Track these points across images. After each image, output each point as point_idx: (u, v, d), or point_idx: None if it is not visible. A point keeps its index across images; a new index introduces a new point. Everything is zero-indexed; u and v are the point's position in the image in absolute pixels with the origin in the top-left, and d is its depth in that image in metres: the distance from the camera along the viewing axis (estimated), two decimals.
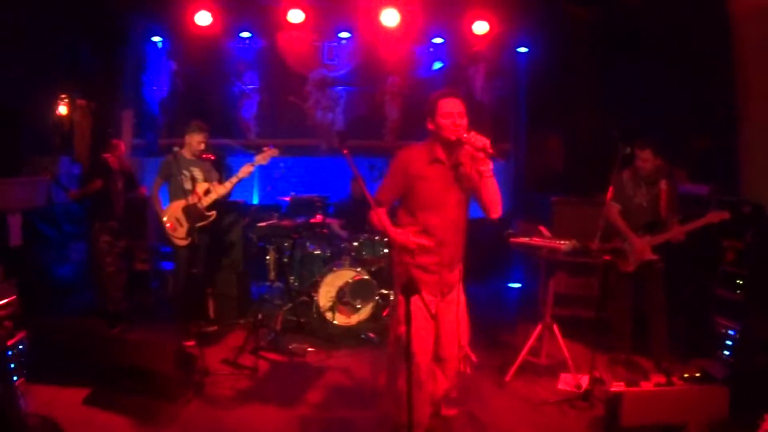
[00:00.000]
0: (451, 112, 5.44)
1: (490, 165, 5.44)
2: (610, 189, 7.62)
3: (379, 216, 5.50)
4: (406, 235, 5.49)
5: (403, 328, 4.89)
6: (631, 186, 8.30)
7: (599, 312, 8.63)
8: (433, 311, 5.76)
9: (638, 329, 8.54)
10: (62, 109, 12.10)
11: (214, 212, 8.81)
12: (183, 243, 8.72)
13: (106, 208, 9.38)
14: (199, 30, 12.54)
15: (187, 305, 8.94)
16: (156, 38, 13.44)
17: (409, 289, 4.64)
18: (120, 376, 6.90)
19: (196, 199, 8.56)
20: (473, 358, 7.24)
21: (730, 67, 10.01)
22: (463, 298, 5.97)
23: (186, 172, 8.63)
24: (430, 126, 5.57)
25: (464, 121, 5.43)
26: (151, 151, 12.90)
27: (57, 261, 10.88)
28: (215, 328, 9.23)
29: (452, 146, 5.54)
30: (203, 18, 12.33)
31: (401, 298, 4.69)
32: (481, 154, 5.29)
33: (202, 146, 8.85)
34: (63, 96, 12.06)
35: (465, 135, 5.32)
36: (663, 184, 8.14)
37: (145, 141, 13.33)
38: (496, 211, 5.71)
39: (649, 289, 8.29)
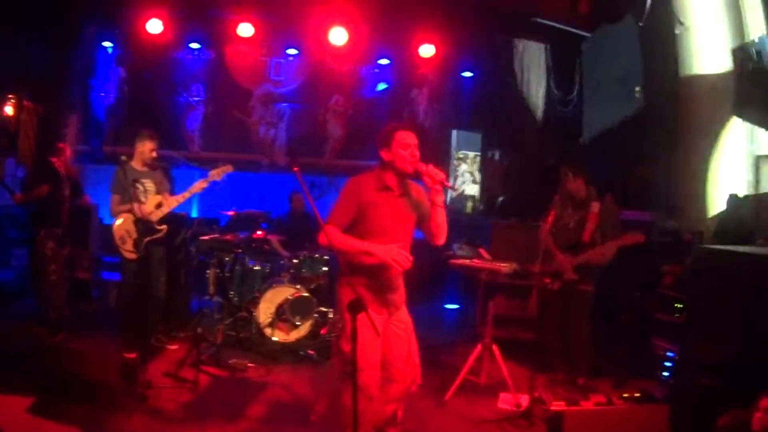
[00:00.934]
0: (408, 143, 5.67)
1: (443, 197, 5.78)
2: (552, 212, 7.94)
3: (341, 235, 5.66)
4: (389, 249, 5.52)
5: (349, 346, 5.10)
6: (560, 207, 8.48)
7: (538, 333, 8.75)
8: (380, 330, 5.75)
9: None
10: (8, 110, 12.02)
11: (165, 226, 8.78)
12: (131, 256, 8.66)
13: (52, 214, 9.25)
14: (149, 37, 12.66)
15: (132, 317, 8.90)
16: (107, 43, 13.44)
17: (356, 307, 4.73)
18: (64, 385, 6.89)
19: (147, 212, 8.53)
20: (419, 380, 7.40)
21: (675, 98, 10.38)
22: (409, 318, 6.17)
23: (138, 185, 8.52)
24: (386, 156, 5.75)
25: (418, 154, 5.67)
26: (96, 158, 12.91)
27: None
28: (176, 346, 9.13)
29: (403, 176, 5.78)
30: (154, 26, 12.47)
31: (347, 316, 4.82)
32: (438, 186, 5.58)
33: (154, 154, 8.82)
34: (10, 96, 11.99)
35: (424, 167, 5.57)
36: (594, 207, 8.23)
37: (90, 147, 13.30)
38: (442, 239, 5.98)
39: (573, 310, 8.45)
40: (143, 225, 8.55)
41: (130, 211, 8.59)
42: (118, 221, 8.73)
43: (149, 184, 8.74)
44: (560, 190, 8.51)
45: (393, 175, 5.79)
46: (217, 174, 8.67)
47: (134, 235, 8.63)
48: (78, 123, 13.38)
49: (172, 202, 8.72)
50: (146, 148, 8.76)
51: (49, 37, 12.21)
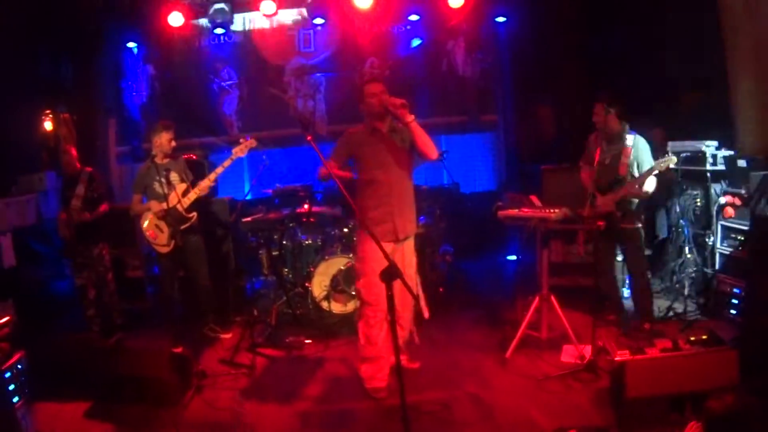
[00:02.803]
0: (375, 92, 6.83)
1: (412, 116, 6.70)
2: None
3: (329, 166, 6.42)
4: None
5: (363, 288, 6.85)
6: (594, 145, 8.26)
7: (594, 278, 8.50)
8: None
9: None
10: (47, 125, 12.10)
11: (194, 213, 8.72)
12: (165, 249, 8.67)
13: (107, 226, 9.43)
14: (173, 31, 12.62)
15: (175, 311, 9.00)
16: (131, 44, 13.43)
17: (390, 275, 4.73)
18: (118, 387, 6.93)
19: (174, 202, 8.48)
20: (426, 312, 7.55)
21: (717, 19, 9.99)
22: (413, 253, 7.23)
23: (160, 178, 8.45)
24: (363, 107, 6.98)
25: (385, 98, 6.77)
26: (137, 156, 12.91)
27: (52, 277, 10.87)
28: (230, 334, 9.12)
29: (383, 117, 6.92)
30: (176, 19, 12.36)
31: (383, 282, 4.78)
32: (401, 110, 6.65)
33: (173, 143, 8.74)
34: (47, 111, 12.06)
35: (386, 100, 6.73)
36: (629, 140, 8.05)
37: (130, 147, 13.35)
38: (432, 153, 6.89)
39: (628, 252, 8.32)
40: (173, 216, 8.50)
41: (148, 209, 8.66)
42: (147, 219, 8.71)
43: (173, 176, 8.70)
44: (595, 126, 8.30)
45: (374, 120, 6.94)
46: (240, 150, 8.57)
47: (166, 229, 8.61)
48: (115, 126, 13.43)
49: (198, 188, 8.63)
50: (163, 140, 8.67)
51: (76, 46, 12.27)
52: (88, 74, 12.63)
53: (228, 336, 9.05)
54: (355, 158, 7.03)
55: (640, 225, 8.13)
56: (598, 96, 8.22)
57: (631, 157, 7.99)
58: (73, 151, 9.31)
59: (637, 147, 8.02)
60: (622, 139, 8.08)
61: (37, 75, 11.91)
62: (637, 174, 7.93)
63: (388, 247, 6.53)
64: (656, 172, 7.67)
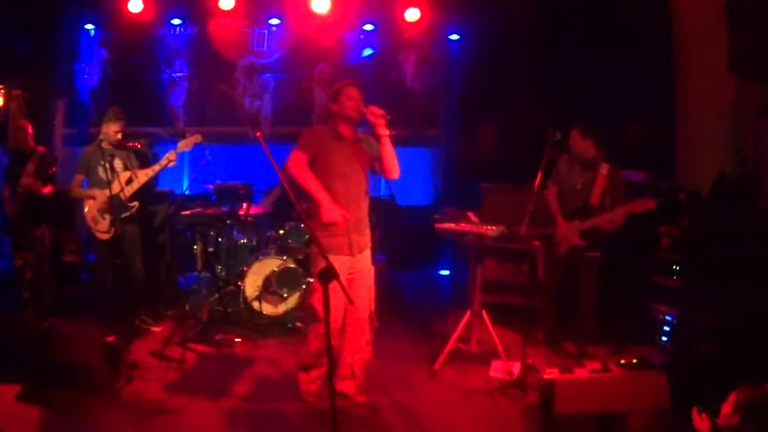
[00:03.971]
0: (354, 96, 6.53)
1: (388, 131, 6.45)
2: (539, 175, 7.60)
3: (307, 171, 6.43)
4: (331, 210, 6.32)
5: (320, 306, 5.73)
6: (567, 168, 8.42)
7: (529, 298, 8.78)
8: (345, 272, 6.45)
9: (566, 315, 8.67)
10: None
11: (136, 203, 8.74)
12: (105, 236, 8.70)
13: (49, 207, 9.40)
14: (131, 17, 12.57)
15: (109, 299, 9.01)
16: (89, 26, 13.41)
17: (327, 275, 4.80)
18: (50, 371, 6.90)
19: (117, 189, 8.46)
20: (376, 322, 7.41)
21: (669, 52, 10.25)
22: (371, 265, 6.92)
23: (104, 163, 8.45)
24: (335, 107, 6.64)
25: (361, 105, 6.49)
26: (83, 140, 12.86)
27: None
28: (160, 327, 9.12)
29: (353, 123, 6.64)
30: (135, 4, 12.38)
31: (317, 284, 5.08)
32: (381, 120, 6.37)
33: (119, 136, 8.71)
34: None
35: (365, 108, 6.44)
36: (603, 169, 8.15)
37: (77, 130, 13.28)
38: (395, 172, 6.70)
39: (582, 279, 8.36)
40: (115, 204, 8.47)
41: (91, 196, 8.66)
42: (88, 204, 8.71)
43: (117, 162, 8.60)
44: (568, 150, 8.43)
45: (344, 125, 6.63)
46: (185, 144, 8.61)
47: (107, 215, 8.61)
48: (64, 107, 13.32)
49: (141, 177, 8.68)
50: (111, 129, 8.65)
51: (33, 23, 12.15)
52: (44, 52, 12.52)
53: (159, 329, 9.06)
54: (318, 159, 6.55)
55: (599, 255, 8.30)
56: (574, 123, 8.38)
57: (605, 189, 8.14)
58: (29, 129, 9.34)
59: (612, 179, 8.16)
60: (596, 167, 8.21)
61: None
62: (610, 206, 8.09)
63: (344, 260, 6.46)
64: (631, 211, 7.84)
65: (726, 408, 5.27)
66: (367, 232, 6.82)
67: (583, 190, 8.26)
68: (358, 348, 6.76)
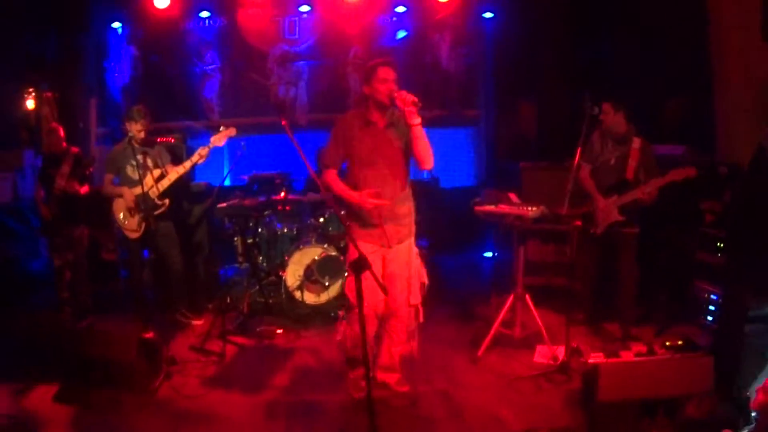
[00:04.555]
0: (387, 78, 6.11)
1: (419, 119, 6.02)
2: (578, 151, 7.43)
3: (334, 180, 6.39)
4: (362, 196, 6.15)
5: (353, 294, 5.64)
6: (599, 144, 8.23)
7: (570, 280, 8.44)
8: (380, 262, 6.37)
9: (607, 295, 8.50)
10: (29, 103, 12.06)
11: (167, 200, 8.67)
12: (135, 235, 8.66)
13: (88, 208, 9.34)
14: (158, 12, 12.57)
15: (145, 296, 9.04)
16: (116, 24, 13.41)
17: (359, 266, 4.76)
18: (87, 369, 6.85)
19: (147, 187, 8.40)
20: (421, 316, 7.21)
21: (704, 26, 10.02)
22: (414, 252, 6.63)
23: (134, 161, 8.47)
24: (367, 90, 6.27)
25: (396, 87, 6.10)
26: (116, 138, 12.86)
27: (27, 256, 10.82)
28: (201, 321, 9.10)
29: (385, 108, 6.27)
30: (161, 0, 12.32)
31: (351, 275, 4.95)
32: (411, 108, 5.92)
33: (143, 134, 8.61)
34: (30, 89, 12.01)
35: (396, 93, 6.00)
36: (635, 143, 7.97)
37: (110, 128, 13.30)
38: (429, 163, 6.28)
39: (621, 256, 8.17)
40: (144, 201, 8.44)
41: (120, 195, 8.60)
42: (118, 201, 8.66)
43: (148, 161, 8.59)
44: (600, 126, 8.21)
45: (375, 109, 6.29)
46: (218, 139, 8.52)
47: (136, 214, 8.59)
48: (96, 106, 13.34)
49: (173, 174, 8.61)
50: (134, 128, 8.58)
51: (60, 23, 12.20)
52: (72, 52, 12.59)
53: (200, 322, 9.03)
54: (347, 149, 6.39)
55: (637, 230, 8.11)
56: (604, 96, 8.13)
57: (639, 162, 7.96)
58: (61, 131, 9.24)
59: (645, 151, 7.98)
60: (629, 141, 8.02)
61: (21, 50, 11.87)
62: (645, 179, 7.92)
63: (378, 250, 6.30)
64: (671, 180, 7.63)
65: (762, 394, 5.21)
66: (408, 221, 6.52)
67: (618, 165, 8.09)
68: (398, 340, 6.60)
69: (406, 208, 6.49)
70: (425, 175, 12.23)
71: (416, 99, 5.90)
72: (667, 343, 6.52)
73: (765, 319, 6.68)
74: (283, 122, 5.47)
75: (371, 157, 6.29)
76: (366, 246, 6.06)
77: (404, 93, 5.94)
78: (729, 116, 9.92)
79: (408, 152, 6.37)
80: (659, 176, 7.72)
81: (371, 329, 6.30)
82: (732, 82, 9.84)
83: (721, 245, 8.28)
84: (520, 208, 7.70)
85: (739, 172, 8.59)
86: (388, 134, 6.33)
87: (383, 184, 6.27)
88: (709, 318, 8.25)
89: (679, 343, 6.49)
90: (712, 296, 8.23)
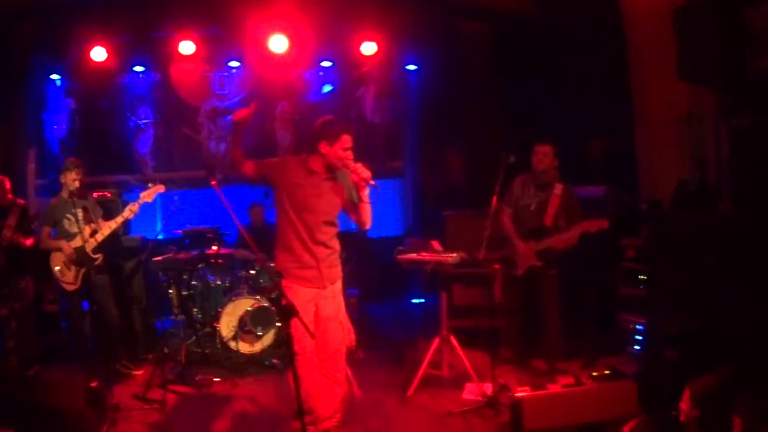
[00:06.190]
0: (348, 146, 6.34)
1: (368, 191, 6.36)
2: (494, 199, 7.79)
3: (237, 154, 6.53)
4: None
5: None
6: (520, 189, 8.61)
7: (494, 319, 8.96)
8: (315, 305, 6.60)
9: (533, 331, 8.85)
10: None
11: (100, 255, 8.87)
12: (72, 287, 8.86)
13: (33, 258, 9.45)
14: (95, 65, 12.75)
15: (87, 346, 9.25)
16: (54, 76, 13.61)
17: (287, 313, 4.96)
18: (35, 418, 6.95)
19: (81, 242, 8.67)
20: (360, 353, 7.50)
21: (626, 68, 10.54)
22: (341, 296, 6.88)
23: (70, 216, 8.71)
24: (325, 150, 6.37)
25: (352, 155, 6.35)
26: (54, 190, 12.92)
27: None
28: (141, 371, 9.26)
29: (332, 169, 6.51)
30: (98, 54, 12.56)
31: (282, 321, 5.19)
32: (363, 183, 6.26)
33: (77, 184, 8.73)
34: None
35: (353, 165, 6.26)
36: (557, 189, 8.37)
37: (48, 180, 13.33)
38: (369, 224, 6.69)
39: (543, 295, 8.57)
40: (80, 255, 8.70)
41: (59, 248, 8.79)
42: (56, 254, 8.84)
43: (80, 213, 8.77)
44: (526, 173, 8.65)
45: (319, 161, 6.47)
46: (147, 195, 8.77)
47: (72, 267, 8.79)
48: (34, 158, 13.38)
49: (105, 229, 8.83)
50: (68, 178, 8.75)
51: (1, 74, 12.33)
52: (11, 103, 12.70)
53: (140, 372, 9.22)
54: (282, 191, 6.50)
55: (556, 272, 8.53)
56: (542, 139, 8.58)
57: (559, 208, 8.36)
58: (7, 183, 9.41)
59: (567, 199, 8.41)
60: (550, 187, 8.45)
61: None
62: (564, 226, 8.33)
63: (314, 292, 6.55)
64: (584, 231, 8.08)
65: (684, 404, 5.59)
66: (338, 262, 6.85)
67: (538, 210, 8.49)
68: (336, 380, 6.76)
69: (336, 252, 6.78)
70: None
71: (370, 174, 6.21)
72: (594, 374, 6.98)
73: (683, 342, 7.20)
74: (213, 183, 5.67)
75: (311, 204, 6.46)
76: (301, 291, 6.40)
77: (360, 166, 6.23)
78: (651, 153, 10.44)
79: (343, 204, 6.68)
80: (582, 221, 8.13)
81: (312, 378, 6.53)
82: (653, 120, 10.38)
83: (643, 278, 8.82)
84: (441, 255, 8.08)
85: (658, 207, 9.10)
86: (329, 184, 6.55)
87: (320, 230, 6.52)
88: (636, 347, 8.74)
89: (606, 372, 6.94)
90: (638, 326, 8.74)
